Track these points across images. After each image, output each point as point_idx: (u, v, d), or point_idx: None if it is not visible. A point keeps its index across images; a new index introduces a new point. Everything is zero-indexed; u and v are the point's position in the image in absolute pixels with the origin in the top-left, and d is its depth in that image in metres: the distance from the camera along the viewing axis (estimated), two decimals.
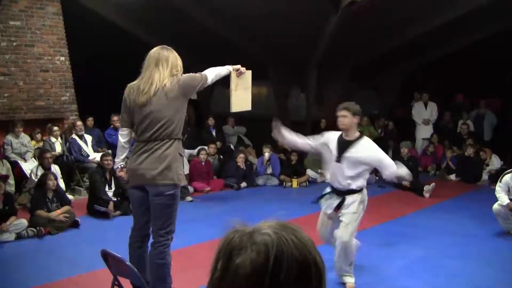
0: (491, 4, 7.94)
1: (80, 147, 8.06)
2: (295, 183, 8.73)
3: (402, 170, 4.07)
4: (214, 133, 10.40)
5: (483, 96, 10.86)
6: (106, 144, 8.73)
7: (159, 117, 3.22)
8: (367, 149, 3.96)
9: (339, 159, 3.96)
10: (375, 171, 9.14)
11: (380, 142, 10.51)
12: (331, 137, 4.11)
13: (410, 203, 7.41)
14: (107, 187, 6.68)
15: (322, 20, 8.33)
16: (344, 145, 3.99)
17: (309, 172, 9.18)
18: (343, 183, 3.98)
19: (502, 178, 5.68)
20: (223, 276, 0.82)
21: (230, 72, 3.54)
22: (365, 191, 4.07)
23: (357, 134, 4.03)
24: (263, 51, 9.90)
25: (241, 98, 3.67)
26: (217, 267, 0.84)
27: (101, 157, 6.89)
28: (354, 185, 3.97)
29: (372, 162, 3.99)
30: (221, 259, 0.84)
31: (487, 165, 9.18)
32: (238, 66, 3.58)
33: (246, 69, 3.63)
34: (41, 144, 8.05)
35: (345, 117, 3.94)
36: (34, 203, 5.88)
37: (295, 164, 9.11)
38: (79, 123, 8.24)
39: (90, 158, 8.01)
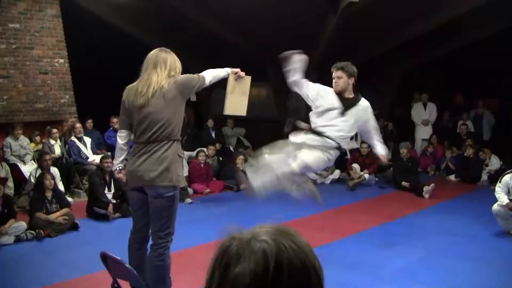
0: (491, 4, 7.93)
1: (79, 149, 8.06)
2: None
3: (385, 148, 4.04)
4: (213, 135, 10.39)
5: (482, 96, 10.85)
6: (105, 146, 8.73)
7: (157, 118, 3.22)
8: (367, 111, 3.82)
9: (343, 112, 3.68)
10: (375, 171, 9.21)
11: None
12: (326, 89, 3.83)
13: (410, 203, 7.40)
14: (106, 189, 6.67)
15: (321, 21, 8.33)
16: (346, 102, 3.70)
17: None
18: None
19: (501, 178, 5.67)
20: (221, 286, 0.80)
21: (229, 75, 3.54)
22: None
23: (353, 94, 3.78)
24: (262, 51, 9.89)
25: (236, 102, 3.66)
26: (214, 276, 0.81)
27: (101, 159, 6.89)
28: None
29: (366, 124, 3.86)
30: (217, 269, 0.81)
31: (487, 165, 9.17)
32: (237, 70, 3.57)
33: (246, 72, 3.62)
34: (40, 146, 8.04)
35: (340, 78, 3.67)
36: (33, 204, 5.88)
37: None
38: (78, 125, 8.23)
39: (89, 160, 7.99)
